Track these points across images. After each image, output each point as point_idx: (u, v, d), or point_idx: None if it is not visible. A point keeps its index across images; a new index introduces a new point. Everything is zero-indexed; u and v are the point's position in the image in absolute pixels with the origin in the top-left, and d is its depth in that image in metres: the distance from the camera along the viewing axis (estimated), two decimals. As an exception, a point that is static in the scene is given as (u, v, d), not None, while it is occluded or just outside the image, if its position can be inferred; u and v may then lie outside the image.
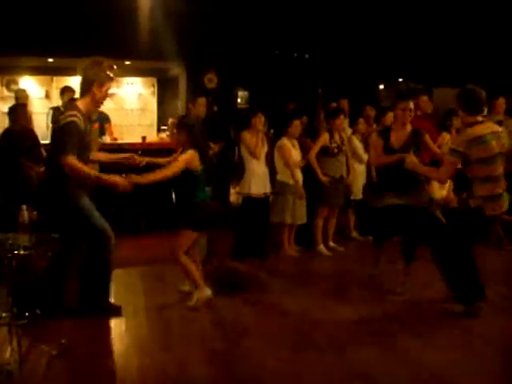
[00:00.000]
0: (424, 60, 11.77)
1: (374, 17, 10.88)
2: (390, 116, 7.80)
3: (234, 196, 8.47)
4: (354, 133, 7.92)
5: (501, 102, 8.08)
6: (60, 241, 4.95)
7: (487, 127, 4.98)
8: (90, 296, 4.96)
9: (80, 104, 4.87)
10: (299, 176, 7.05)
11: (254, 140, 6.85)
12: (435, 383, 3.90)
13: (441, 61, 11.71)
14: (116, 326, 4.86)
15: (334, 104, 8.34)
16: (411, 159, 5.33)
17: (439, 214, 5.68)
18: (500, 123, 6.59)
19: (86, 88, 4.85)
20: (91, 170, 4.87)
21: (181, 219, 5.20)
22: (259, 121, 6.86)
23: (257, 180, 6.90)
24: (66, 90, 8.88)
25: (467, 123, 5.04)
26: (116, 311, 5.02)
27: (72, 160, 4.60)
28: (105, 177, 4.79)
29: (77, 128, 4.66)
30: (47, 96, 11.57)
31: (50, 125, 8.99)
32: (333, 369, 4.09)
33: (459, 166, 5.15)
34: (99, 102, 4.96)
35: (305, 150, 7.24)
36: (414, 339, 4.59)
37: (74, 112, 4.72)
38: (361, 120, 7.95)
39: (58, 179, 4.78)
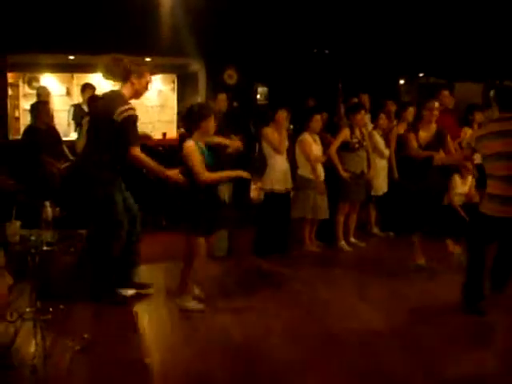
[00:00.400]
0: (445, 55, 11.65)
1: (395, 11, 10.80)
2: (410, 111, 7.78)
3: (254, 192, 8.46)
4: (375, 128, 7.88)
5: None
6: (84, 236, 5.02)
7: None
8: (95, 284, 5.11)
9: (126, 93, 4.96)
10: (321, 171, 7.03)
11: (276, 135, 6.83)
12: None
13: (462, 55, 11.60)
14: (138, 321, 4.88)
15: (355, 99, 8.29)
16: (440, 157, 5.43)
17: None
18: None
19: (125, 76, 4.92)
20: (154, 162, 4.99)
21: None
22: (283, 116, 6.84)
23: (279, 175, 6.88)
24: (86, 87, 8.95)
25: (492, 119, 5.00)
26: (122, 300, 5.13)
27: (138, 152, 4.83)
28: (164, 169, 4.98)
29: (136, 120, 4.87)
30: (68, 93, 11.63)
31: (72, 121, 9.07)
32: (355, 365, 4.08)
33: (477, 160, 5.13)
34: (139, 94, 5.04)
35: (325, 146, 7.21)
36: (437, 339, 4.56)
37: (131, 105, 4.87)
38: (382, 115, 7.90)
39: (94, 170, 4.92)
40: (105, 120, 4.83)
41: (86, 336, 4.30)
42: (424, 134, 6.18)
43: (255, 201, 8.37)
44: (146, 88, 5.05)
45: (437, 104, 6.12)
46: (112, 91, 5.17)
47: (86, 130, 5.71)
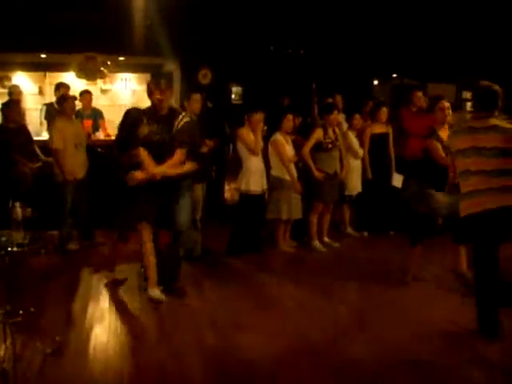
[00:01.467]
0: (418, 56, 11.76)
1: (369, 13, 10.86)
2: (384, 111, 7.85)
3: (228, 193, 8.46)
4: (349, 128, 7.93)
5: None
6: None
7: (479, 122, 4.66)
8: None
9: None
10: (294, 171, 7.04)
11: (252, 136, 6.83)
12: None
13: (435, 56, 11.71)
14: (111, 322, 4.84)
15: (330, 100, 8.33)
16: None
17: None
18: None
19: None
20: None
21: None
22: (259, 118, 6.85)
23: (256, 176, 6.87)
24: (60, 86, 8.85)
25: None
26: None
27: None
28: None
29: None
30: (40, 92, 11.49)
31: (44, 121, 8.96)
32: (326, 363, 4.10)
33: None
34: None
35: (297, 148, 7.22)
36: (401, 330, 4.61)
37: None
38: (356, 115, 7.95)
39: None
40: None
41: (57, 338, 4.26)
42: (443, 135, 5.82)
43: (229, 202, 8.38)
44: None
45: (447, 103, 5.96)
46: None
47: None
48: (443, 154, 5.63)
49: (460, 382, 3.90)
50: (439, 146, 5.70)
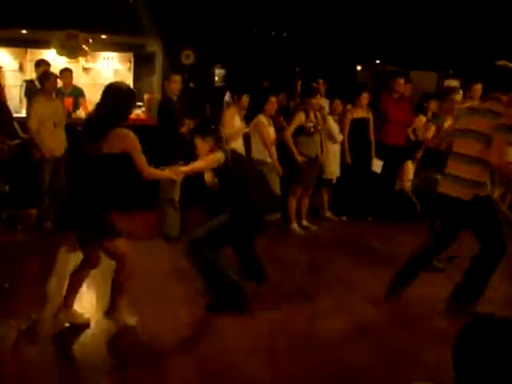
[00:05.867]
0: (401, 43, 11.78)
1: (354, -2, 10.86)
2: (364, 96, 7.87)
3: (208, 175, 8.42)
4: (330, 113, 7.94)
5: (478, 88, 8.07)
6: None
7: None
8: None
9: None
10: (275, 154, 7.04)
11: (238, 122, 6.85)
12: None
13: (418, 44, 11.73)
14: (87, 300, 4.83)
15: (314, 84, 8.32)
16: None
17: None
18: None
19: None
20: None
21: None
22: (245, 101, 6.88)
23: None
24: (41, 63, 8.72)
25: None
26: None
27: None
28: None
29: None
30: (21, 68, 11.32)
31: (24, 98, 8.86)
32: (299, 342, 4.14)
33: None
34: None
35: (277, 129, 7.23)
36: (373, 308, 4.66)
37: None
38: (336, 100, 7.97)
39: None
40: None
41: (32, 316, 4.25)
42: (446, 124, 6.07)
43: (209, 184, 8.33)
44: None
45: (459, 97, 6.22)
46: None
47: None
48: (430, 136, 5.95)
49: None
50: (433, 129, 6.02)
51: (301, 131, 7.15)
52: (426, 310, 4.83)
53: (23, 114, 8.36)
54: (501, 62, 4.67)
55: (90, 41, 10.14)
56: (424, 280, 4.94)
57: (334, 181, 7.89)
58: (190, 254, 4.69)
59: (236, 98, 6.99)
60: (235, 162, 4.76)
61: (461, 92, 6.85)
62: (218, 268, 4.67)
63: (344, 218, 8.02)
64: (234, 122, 6.87)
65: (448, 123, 5.90)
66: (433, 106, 8.23)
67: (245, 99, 7.00)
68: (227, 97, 8.62)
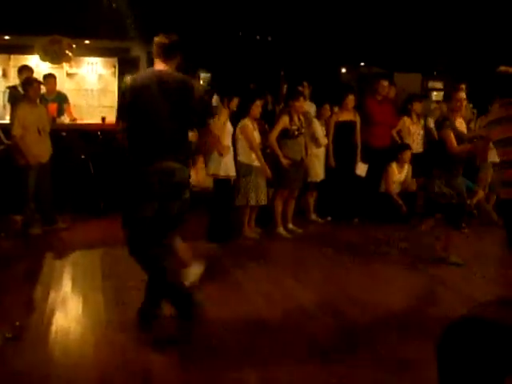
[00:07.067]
0: (385, 45, 11.85)
1: (338, 1, 10.90)
2: (350, 99, 7.90)
3: (194, 175, 8.39)
4: (317, 117, 7.95)
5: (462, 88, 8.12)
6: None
7: None
8: None
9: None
10: (262, 157, 7.05)
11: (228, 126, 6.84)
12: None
13: (402, 47, 11.81)
14: (73, 307, 4.81)
15: (300, 88, 8.34)
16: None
17: None
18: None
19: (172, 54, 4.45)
20: None
21: None
22: (233, 104, 6.89)
23: (228, 162, 6.86)
24: (23, 69, 8.68)
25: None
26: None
27: None
28: None
29: None
30: (4, 75, 11.30)
31: (8, 104, 8.82)
32: (290, 350, 4.14)
33: None
34: None
35: (261, 133, 7.23)
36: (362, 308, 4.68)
37: None
38: (326, 106, 8.00)
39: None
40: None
41: (17, 323, 4.23)
42: (461, 125, 6.16)
43: (200, 186, 8.27)
44: None
45: (464, 95, 6.15)
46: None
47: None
48: (455, 144, 5.86)
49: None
50: (452, 135, 5.89)
51: (285, 134, 7.17)
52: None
53: (7, 120, 8.32)
54: (502, 68, 4.74)
55: (74, 46, 10.10)
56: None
57: (318, 182, 7.90)
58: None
59: (227, 100, 6.94)
60: None
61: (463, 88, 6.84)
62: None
63: (329, 218, 8.04)
64: (225, 127, 6.84)
65: (459, 122, 6.06)
66: (417, 107, 8.31)
67: (235, 102, 6.97)
68: (214, 100, 8.60)
